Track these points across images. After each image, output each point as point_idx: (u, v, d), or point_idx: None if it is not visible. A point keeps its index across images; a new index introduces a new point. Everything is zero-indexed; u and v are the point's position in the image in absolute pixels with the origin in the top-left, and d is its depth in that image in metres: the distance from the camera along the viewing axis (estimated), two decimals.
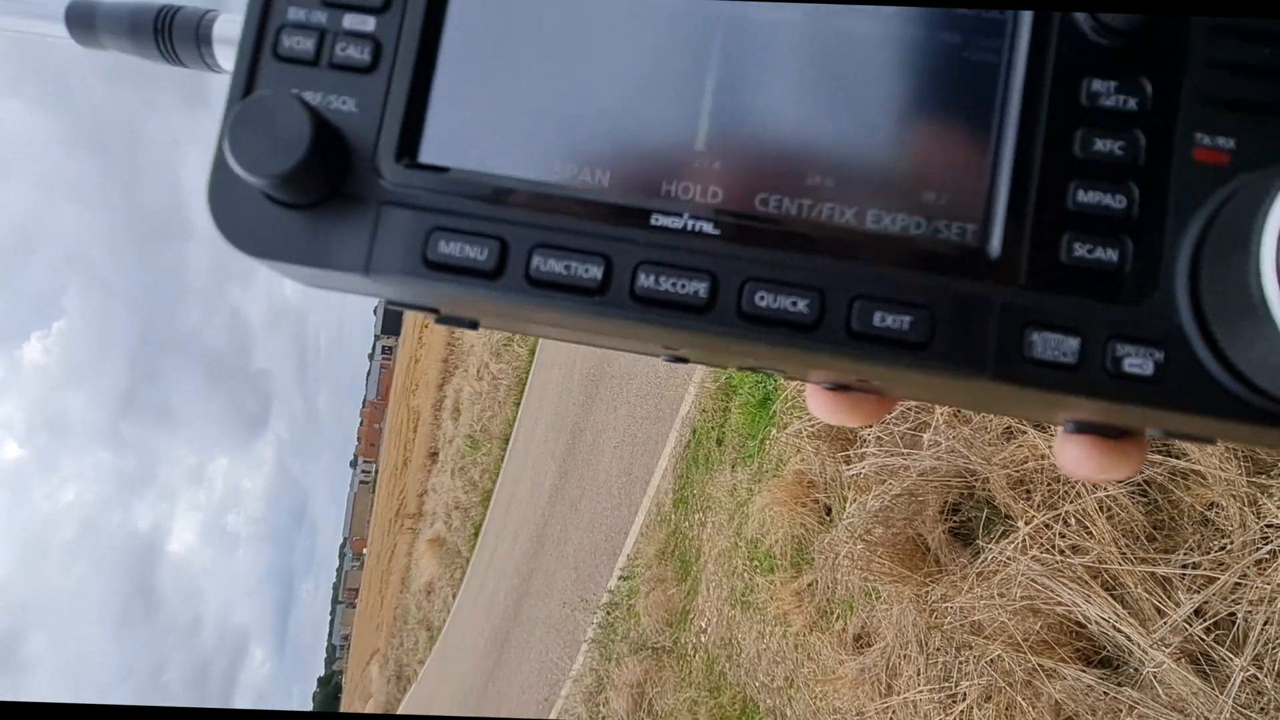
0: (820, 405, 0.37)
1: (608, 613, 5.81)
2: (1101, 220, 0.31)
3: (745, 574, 4.17)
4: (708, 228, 0.32)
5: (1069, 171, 0.31)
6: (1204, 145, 0.31)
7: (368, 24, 0.34)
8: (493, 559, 11.63)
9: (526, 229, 0.33)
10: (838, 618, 3.29)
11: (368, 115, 0.34)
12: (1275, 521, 1.74)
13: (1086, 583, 2.12)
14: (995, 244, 0.31)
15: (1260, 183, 0.28)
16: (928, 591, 2.73)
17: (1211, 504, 1.92)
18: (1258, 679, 1.72)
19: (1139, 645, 2.00)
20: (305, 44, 0.34)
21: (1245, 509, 1.80)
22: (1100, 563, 2.09)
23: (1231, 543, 1.82)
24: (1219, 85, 0.31)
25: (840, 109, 0.33)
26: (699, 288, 0.32)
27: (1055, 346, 0.30)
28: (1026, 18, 0.32)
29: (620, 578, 5.88)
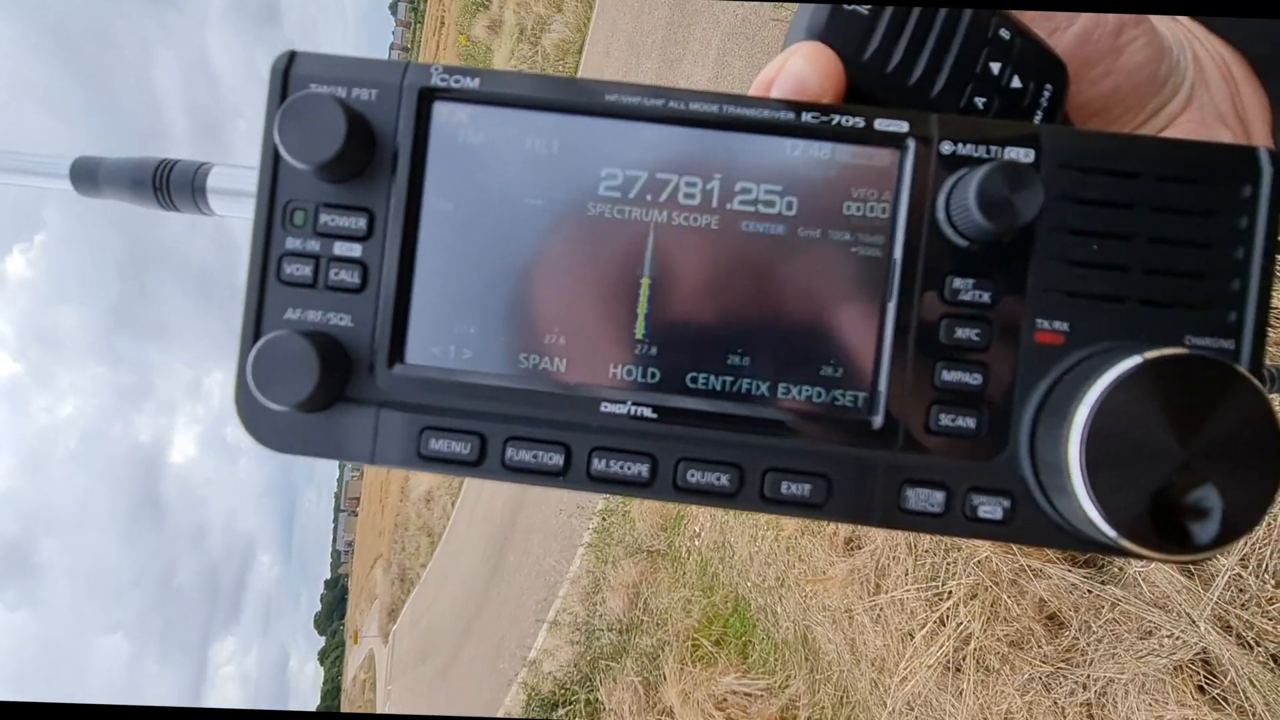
0: None
1: (603, 519, 5.97)
2: (961, 394, 0.38)
3: None
4: (647, 413, 0.39)
5: (936, 354, 0.38)
6: (1043, 329, 0.38)
7: (355, 250, 0.40)
8: None
9: (500, 423, 0.39)
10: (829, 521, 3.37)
11: (361, 328, 0.40)
12: None
13: None
14: (879, 416, 0.38)
15: (1086, 366, 0.35)
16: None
17: None
18: (1242, 577, 1.76)
19: None
20: (304, 270, 0.40)
21: None
22: None
23: None
24: (1056, 278, 0.38)
25: (753, 298, 0.39)
26: (642, 469, 0.39)
27: (925, 499, 0.38)
28: (902, 222, 0.38)
29: None
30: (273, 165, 0.40)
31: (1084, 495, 0.32)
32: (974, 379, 0.38)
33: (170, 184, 0.52)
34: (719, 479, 0.38)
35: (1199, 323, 0.37)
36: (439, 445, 0.39)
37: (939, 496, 0.38)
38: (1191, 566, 1.87)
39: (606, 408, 0.39)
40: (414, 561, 18.30)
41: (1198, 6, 0.46)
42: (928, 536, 2.76)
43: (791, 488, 0.38)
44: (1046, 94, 0.41)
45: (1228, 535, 0.32)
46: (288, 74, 0.40)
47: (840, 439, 0.38)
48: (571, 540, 6.71)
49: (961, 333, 0.38)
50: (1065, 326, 0.38)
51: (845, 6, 0.39)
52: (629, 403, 0.39)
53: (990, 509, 0.37)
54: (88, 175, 0.54)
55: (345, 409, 0.40)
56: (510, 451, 0.39)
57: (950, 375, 0.38)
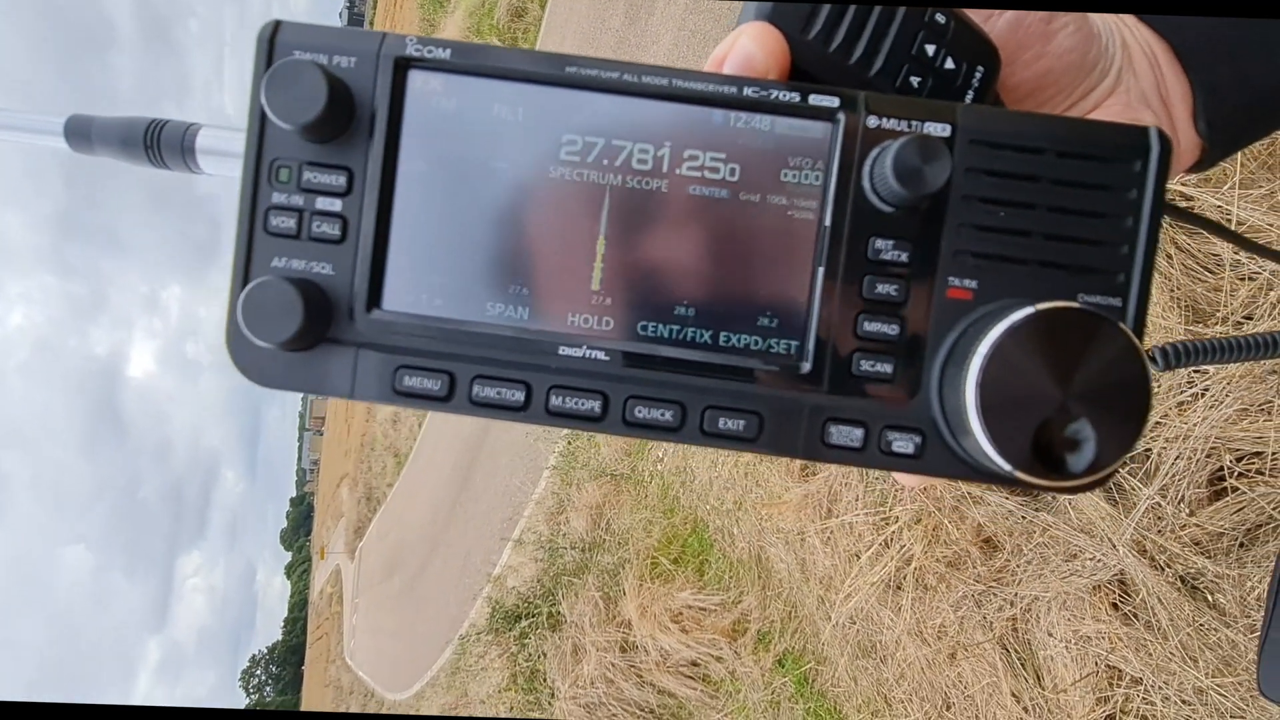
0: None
1: (569, 443, 6.08)
2: (881, 343, 0.42)
3: None
4: (601, 355, 0.43)
5: (859, 306, 0.42)
6: (954, 286, 0.42)
7: (336, 205, 0.43)
8: None
9: (468, 363, 0.43)
10: None
11: (342, 276, 0.43)
12: (1201, 369, 1.84)
13: None
14: (808, 361, 0.43)
15: (985, 319, 0.39)
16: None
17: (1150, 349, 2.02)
18: (1160, 506, 1.90)
19: None
20: (289, 222, 0.43)
21: None
22: None
23: (1159, 384, 1.94)
24: (966, 241, 0.42)
25: (698, 255, 0.43)
26: (594, 405, 0.43)
27: (846, 435, 0.42)
28: (832, 189, 0.42)
29: None
30: (259, 126, 0.43)
31: (979, 431, 0.37)
32: (891, 329, 0.42)
33: (160, 143, 0.54)
34: (663, 415, 0.43)
35: (1092, 283, 0.42)
36: (412, 382, 0.43)
37: (858, 433, 0.42)
38: (1116, 495, 2.00)
39: (564, 350, 0.43)
40: (380, 481, 18.46)
41: (1183, 6, 0.48)
42: None
43: (728, 423, 0.42)
44: (978, 75, 0.44)
45: (1098, 465, 0.36)
46: (273, 42, 0.43)
47: (773, 381, 0.43)
48: (538, 463, 6.83)
49: (881, 288, 0.42)
50: (974, 284, 0.42)
51: None
52: (584, 346, 0.43)
53: (903, 444, 0.42)
54: (82, 133, 0.57)
55: (327, 349, 0.43)
56: (477, 388, 0.43)
57: (871, 326, 0.42)
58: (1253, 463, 1.79)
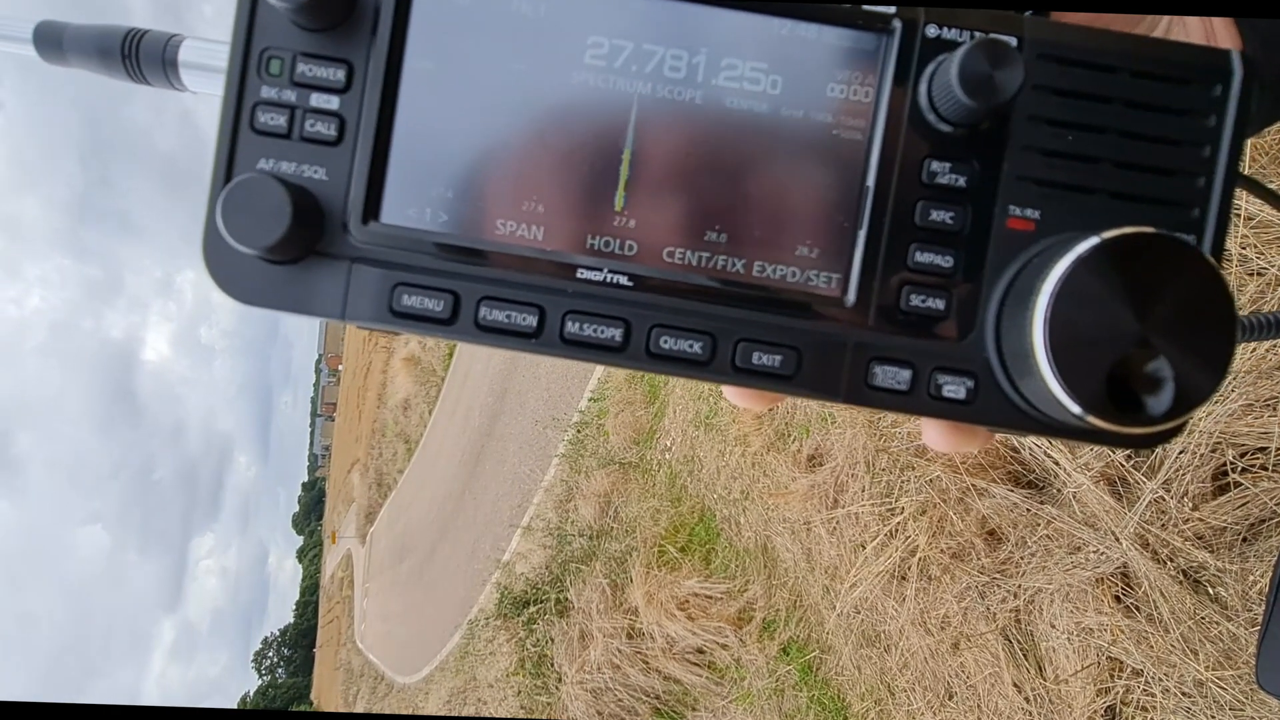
0: (730, 395, 0.43)
1: (578, 431, 6.11)
2: (933, 276, 0.38)
3: (710, 398, 4.36)
4: (624, 280, 0.39)
5: (910, 236, 0.38)
6: (1015, 215, 0.38)
7: (332, 102, 0.39)
8: (467, 378, 11.95)
9: (474, 283, 0.39)
10: (794, 440, 3.50)
11: (336, 182, 0.39)
12: None
13: None
14: (852, 294, 0.39)
15: (1050, 251, 0.35)
16: (881, 417, 2.90)
17: None
18: (1164, 500, 1.91)
19: (1064, 469, 2.18)
20: (278, 120, 0.38)
21: None
22: None
23: None
24: (1030, 166, 0.38)
25: (733, 176, 0.39)
26: (615, 333, 0.38)
27: (892, 377, 0.38)
28: (884, 105, 0.38)
29: (590, 399, 6.12)
30: (250, 6, 0.38)
31: (1047, 371, 0.33)
32: (946, 261, 0.38)
33: (139, 54, 0.49)
34: (691, 346, 0.38)
35: (1164, 217, 0.38)
36: (412, 301, 0.39)
37: (905, 375, 0.38)
38: (1119, 488, 2.01)
39: (583, 273, 0.39)
40: (391, 467, 18.59)
41: (1206, 7, 0.46)
42: (886, 456, 2.91)
43: (762, 358, 0.38)
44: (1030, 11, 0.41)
45: (1180, 406, 0.32)
46: None
47: (813, 315, 0.39)
48: (546, 450, 6.87)
49: (936, 215, 0.38)
50: (1036, 214, 0.38)
51: None
52: (605, 270, 0.39)
53: (954, 389, 0.38)
54: (53, 40, 0.51)
55: (316, 263, 0.39)
56: (484, 311, 0.38)
57: (923, 256, 0.38)
58: (1256, 458, 1.79)
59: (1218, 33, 0.47)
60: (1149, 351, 0.32)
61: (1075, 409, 0.33)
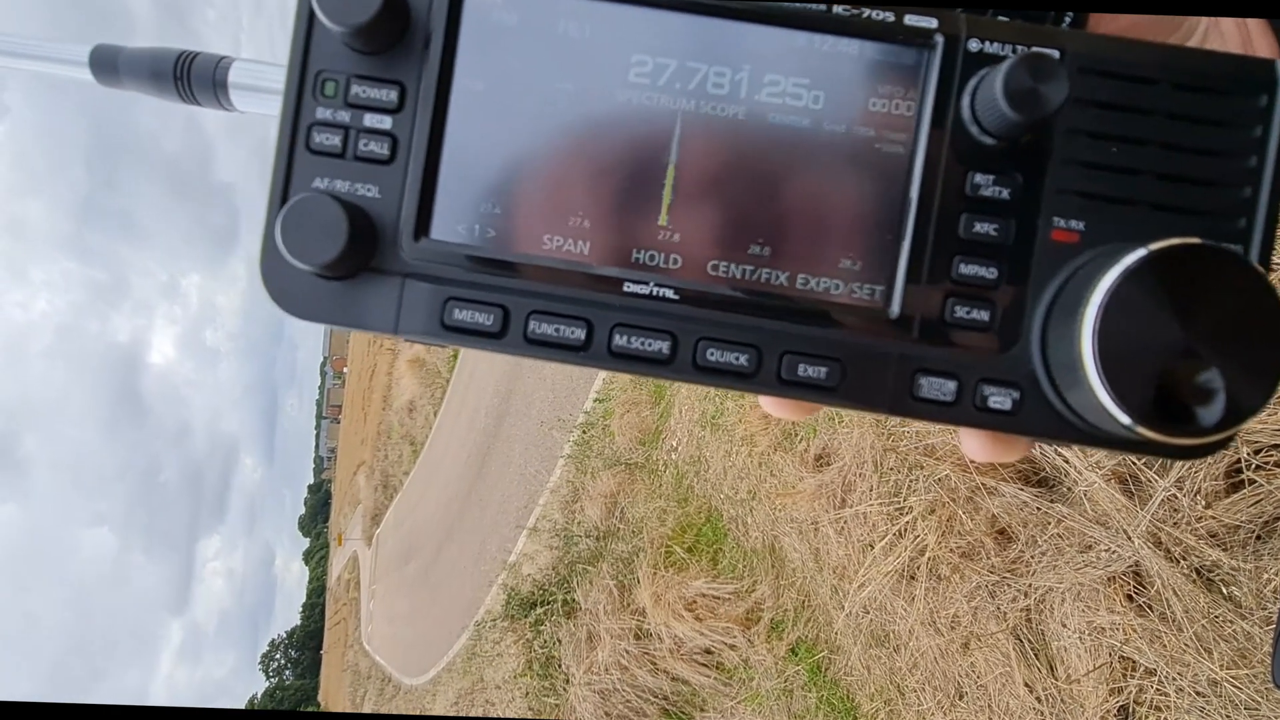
0: (769, 405, 0.44)
1: (583, 432, 6.11)
2: (977, 287, 0.39)
3: (716, 398, 4.36)
4: (669, 294, 0.40)
5: (954, 248, 0.39)
6: (1059, 227, 0.38)
7: (385, 122, 0.40)
8: (472, 380, 11.96)
9: (524, 297, 0.40)
10: (801, 440, 3.49)
11: (389, 200, 0.40)
12: None
13: None
14: (895, 306, 0.39)
15: (1096, 263, 0.36)
16: (888, 416, 2.89)
17: None
18: (1176, 497, 1.89)
19: (1075, 467, 2.17)
20: (333, 140, 0.40)
21: None
22: None
23: None
24: (1073, 179, 0.38)
25: (776, 190, 0.39)
26: (662, 346, 0.39)
27: (937, 388, 0.39)
28: (926, 118, 0.39)
29: (596, 400, 6.12)
30: (306, 30, 0.40)
31: (1097, 383, 0.33)
32: (990, 273, 0.38)
33: (191, 76, 0.51)
34: (737, 359, 0.39)
35: (1210, 227, 0.38)
36: (463, 316, 0.40)
37: (950, 386, 0.39)
38: (1131, 486, 2.00)
39: (629, 287, 0.40)
40: (397, 469, 18.62)
41: (1207, 7, 0.46)
42: (894, 455, 2.89)
43: (808, 370, 0.39)
44: (1067, 20, 0.42)
45: (1232, 418, 0.32)
46: None
47: (857, 327, 0.39)
48: (552, 451, 6.87)
49: (980, 227, 0.39)
50: (1080, 226, 0.38)
51: None
52: (651, 283, 0.40)
53: (1000, 400, 0.38)
54: (108, 64, 0.53)
55: (369, 279, 0.40)
56: (533, 324, 0.39)
57: (967, 268, 0.39)
58: (1270, 455, 1.78)
59: (1255, 40, 0.46)
60: (1200, 362, 0.32)
61: (1125, 420, 0.33)
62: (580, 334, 0.39)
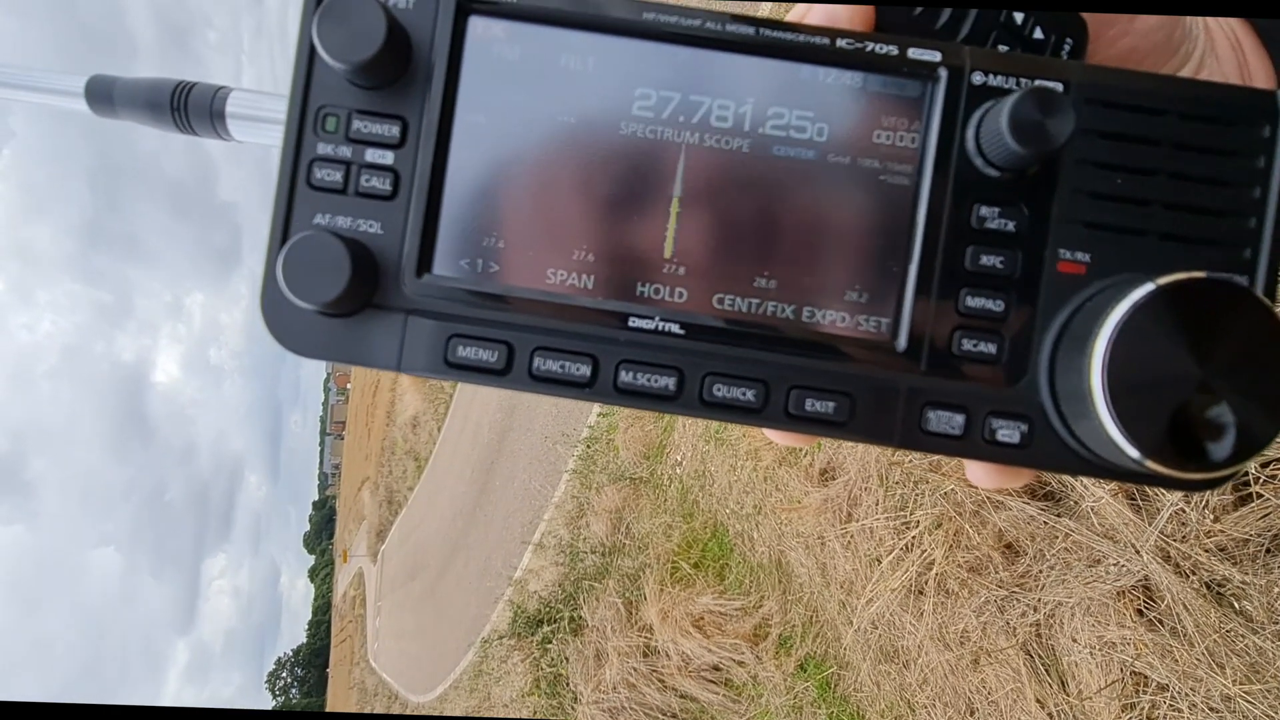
0: (774, 435, 0.43)
1: (588, 446, 6.10)
2: (984, 320, 0.38)
3: None
4: (675, 328, 0.39)
5: (961, 280, 0.39)
6: (1065, 259, 0.38)
7: (387, 157, 0.39)
8: (475, 395, 11.96)
9: (528, 333, 0.39)
10: (805, 454, 3.49)
11: (391, 236, 0.39)
12: None
13: None
14: (903, 339, 0.39)
15: (1104, 296, 0.35)
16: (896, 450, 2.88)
17: None
18: (1184, 511, 1.89)
19: (1082, 482, 2.16)
20: (335, 175, 0.39)
21: None
22: None
23: None
24: (1079, 210, 0.38)
25: (781, 222, 0.39)
26: (669, 382, 0.39)
27: (946, 421, 0.38)
28: (931, 151, 0.39)
29: (600, 414, 6.12)
30: (307, 67, 0.39)
31: (1106, 416, 0.33)
32: (997, 305, 0.38)
33: (188, 107, 0.50)
34: (744, 394, 0.39)
35: (1216, 258, 0.38)
36: (466, 353, 0.39)
37: (959, 419, 0.38)
38: (1139, 500, 1.99)
39: (634, 322, 0.39)
40: (401, 485, 18.61)
41: (1208, 7, 0.46)
42: (900, 469, 2.88)
43: (815, 405, 0.39)
44: (1067, 47, 0.42)
45: (1242, 452, 0.32)
46: None
47: (864, 361, 0.39)
48: (556, 466, 6.86)
49: (986, 260, 0.38)
50: (1087, 257, 0.38)
51: None
52: (657, 318, 0.39)
53: (1009, 433, 0.38)
54: (103, 95, 0.52)
55: (371, 315, 0.40)
56: (538, 361, 0.39)
57: (974, 301, 0.38)
58: (1278, 469, 1.77)
59: (1252, 67, 0.47)
60: (1210, 397, 0.32)
61: (1134, 454, 0.33)
62: (585, 370, 0.39)
